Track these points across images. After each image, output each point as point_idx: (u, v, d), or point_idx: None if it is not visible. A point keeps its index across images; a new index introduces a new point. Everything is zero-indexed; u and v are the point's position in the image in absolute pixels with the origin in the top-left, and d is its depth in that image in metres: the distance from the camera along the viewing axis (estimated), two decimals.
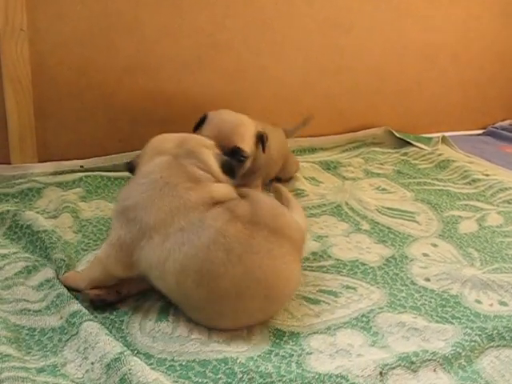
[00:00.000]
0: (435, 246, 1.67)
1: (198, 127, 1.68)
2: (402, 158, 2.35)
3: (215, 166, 1.34)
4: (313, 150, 2.34)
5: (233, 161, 1.48)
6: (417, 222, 1.81)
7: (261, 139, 1.69)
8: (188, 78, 2.06)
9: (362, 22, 2.31)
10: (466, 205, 1.95)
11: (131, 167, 1.36)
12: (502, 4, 2.59)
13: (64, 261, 1.40)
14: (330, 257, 1.56)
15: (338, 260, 1.54)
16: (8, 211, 1.60)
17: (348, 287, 1.42)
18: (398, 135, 2.46)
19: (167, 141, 1.37)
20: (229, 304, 1.21)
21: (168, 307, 1.28)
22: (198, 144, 1.37)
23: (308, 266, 1.50)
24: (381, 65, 2.42)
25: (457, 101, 2.65)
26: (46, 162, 1.90)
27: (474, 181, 2.13)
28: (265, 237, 1.23)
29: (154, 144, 1.38)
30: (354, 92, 2.38)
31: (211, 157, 1.35)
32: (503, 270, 1.55)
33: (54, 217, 1.65)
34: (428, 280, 1.48)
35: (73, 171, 1.91)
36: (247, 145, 1.63)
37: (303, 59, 2.22)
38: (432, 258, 1.59)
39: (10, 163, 1.85)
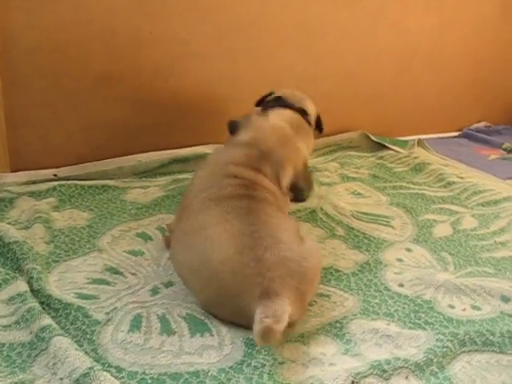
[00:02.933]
0: (409, 250, 1.68)
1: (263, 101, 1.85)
2: (378, 161, 2.36)
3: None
4: None
5: None
6: (391, 227, 1.82)
7: (319, 119, 1.88)
8: (162, 85, 2.05)
9: (336, 28, 2.32)
10: (441, 208, 1.97)
11: None
12: (474, 9, 2.62)
13: (36, 269, 1.39)
14: None
15: None
16: None
17: (322, 295, 1.42)
18: (374, 139, 2.47)
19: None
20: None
21: (140, 318, 1.28)
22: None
23: None
24: (356, 70, 2.43)
25: (432, 104, 2.67)
26: (18, 171, 1.88)
27: (449, 184, 2.15)
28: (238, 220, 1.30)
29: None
30: (329, 97, 2.38)
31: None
32: (476, 273, 1.56)
33: (26, 227, 1.63)
34: (402, 286, 1.49)
35: (46, 180, 1.89)
36: (312, 114, 1.83)
37: (278, 65, 2.22)
38: (406, 263, 1.60)
39: None
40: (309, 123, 1.77)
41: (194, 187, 1.48)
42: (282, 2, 2.18)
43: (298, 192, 1.65)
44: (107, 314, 1.29)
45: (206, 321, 1.28)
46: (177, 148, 2.07)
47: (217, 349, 1.20)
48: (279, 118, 1.65)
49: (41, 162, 1.91)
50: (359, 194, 2.06)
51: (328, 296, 1.42)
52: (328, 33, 2.31)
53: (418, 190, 2.11)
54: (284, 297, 1.19)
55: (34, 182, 1.87)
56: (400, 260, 1.62)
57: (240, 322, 1.25)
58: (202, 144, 2.11)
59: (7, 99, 1.80)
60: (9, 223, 1.64)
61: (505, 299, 1.44)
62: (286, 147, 1.57)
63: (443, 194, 2.08)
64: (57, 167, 1.94)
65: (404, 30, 2.47)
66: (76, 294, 1.37)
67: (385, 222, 1.84)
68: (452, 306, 1.41)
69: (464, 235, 1.79)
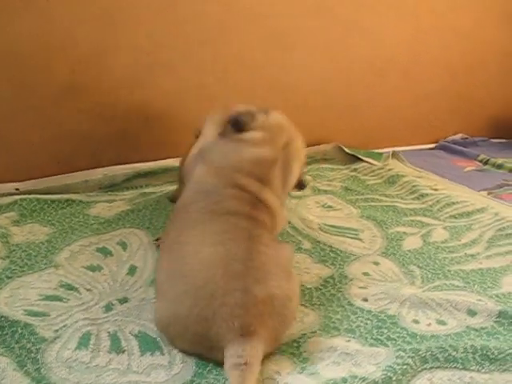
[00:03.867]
0: (377, 264, 1.64)
1: None
2: (352, 174, 2.33)
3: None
4: None
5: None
6: (360, 240, 1.78)
7: None
8: (127, 97, 2.01)
9: (307, 39, 2.29)
10: (412, 220, 1.93)
11: None
12: (449, 20, 2.60)
13: None
14: None
15: None
16: None
17: None
18: (347, 151, 2.44)
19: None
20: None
21: (90, 335, 1.23)
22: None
23: None
24: (328, 81, 2.40)
25: (408, 115, 2.63)
26: None
27: (422, 196, 2.11)
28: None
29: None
30: (301, 109, 2.35)
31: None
32: (444, 287, 1.52)
33: None
34: (366, 300, 1.44)
35: (8, 194, 1.85)
36: None
37: (247, 77, 2.18)
38: (372, 278, 1.56)
39: None
40: None
41: (192, 185, 1.41)
42: (250, 12, 2.15)
43: (301, 187, 1.62)
44: (56, 331, 1.25)
45: (157, 339, 1.23)
46: (143, 161, 2.03)
47: (166, 368, 1.15)
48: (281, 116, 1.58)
49: (3, 175, 1.87)
50: (330, 206, 2.02)
51: None
52: (298, 43, 2.29)
53: (390, 202, 2.07)
54: (260, 336, 1.14)
55: None
56: (366, 274, 1.57)
57: (196, 349, 1.18)
58: (168, 157, 2.07)
59: None
60: None
61: (471, 313, 1.39)
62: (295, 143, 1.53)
63: (415, 206, 2.04)
64: (20, 181, 1.89)
65: (377, 40, 2.44)
66: (26, 310, 1.32)
67: (353, 235, 1.80)
68: (417, 321, 1.36)
69: (434, 248, 1.74)
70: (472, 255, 1.71)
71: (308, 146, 2.40)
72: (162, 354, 1.19)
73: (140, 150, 2.05)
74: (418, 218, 1.95)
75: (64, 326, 1.26)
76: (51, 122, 1.91)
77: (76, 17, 1.85)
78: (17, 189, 1.87)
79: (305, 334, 1.28)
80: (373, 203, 2.06)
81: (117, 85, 1.99)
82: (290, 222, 1.84)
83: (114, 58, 1.95)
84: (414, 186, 2.18)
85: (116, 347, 1.20)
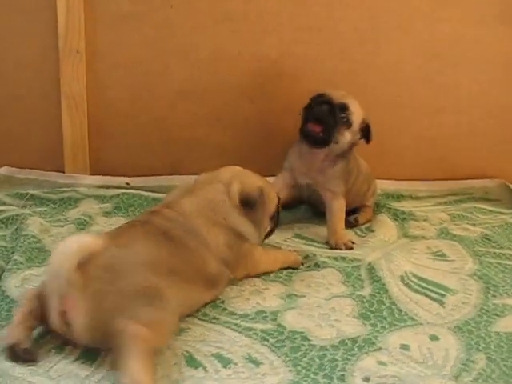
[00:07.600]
0: (434, 339, 1.23)
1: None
2: (511, 220, 1.81)
3: None
4: (398, 198, 1.96)
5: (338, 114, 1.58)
6: (440, 304, 1.37)
7: (366, 126, 1.65)
8: (248, 106, 1.94)
9: (472, 52, 1.87)
10: None
11: None
12: None
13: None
14: (274, 320, 1.28)
15: (279, 326, 1.26)
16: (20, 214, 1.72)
17: (252, 360, 1.14)
18: None
19: None
20: None
21: None
22: None
23: (236, 324, 1.26)
24: (498, 103, 1.91)
25: None
26: (96, 175, 1.98)
27: None
28: None
29: None
30: (465, 132, 1.92)
31: None
32: None
33: (60, 226, 1.71)
34: (367, 380, 1.09)
35: (118, 187, 1.95)
36: (355, 115, 1.62)
37: (390, 94, 1.87)
38: (407, 355, 1.17)
39: (63, 172, 1.98)
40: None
41: None
42: (398, 20, 1.86)
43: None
44: None
45: None
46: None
47: None
48: None
49: (119, 170, 1.98)
50: (442, 255, 1.60)
51: (258, 364, 1.13)
52: (461, 56, 1.89)
53: None
54: None
55: (107, 187, 1.95)
56: (405, 347, 1.19)
57: None
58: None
59: (91, 109, 1.91)
60: (59, 221, 1.74)
61: None
62: None
63: None
64: (134, 176, 1.98)
65: None
66: None
67: (437, 296, 1.40)
68: None
69: None
70: None
71: (464, 177, 1.98)
72: None
73: (258, 162, 1.89)
74: None
75: None
76: (167, 123, 1.95)
77: (197, 22, 1.85)
78: (127, 183, 1.97)
79: None
80: (505, 262, 1.56)
81: (237, 92, 1.92)
82: (369, 264, 1.53)
83: (233, 64, 1.89)
84: None
85: None
